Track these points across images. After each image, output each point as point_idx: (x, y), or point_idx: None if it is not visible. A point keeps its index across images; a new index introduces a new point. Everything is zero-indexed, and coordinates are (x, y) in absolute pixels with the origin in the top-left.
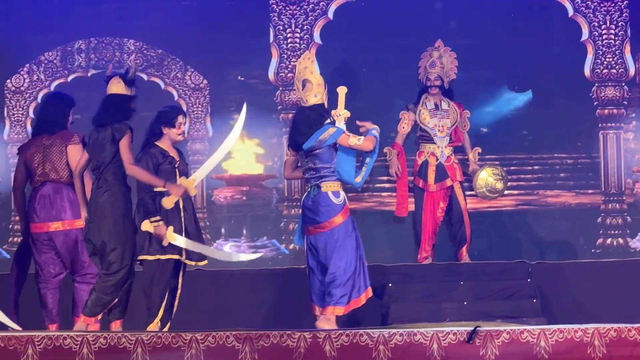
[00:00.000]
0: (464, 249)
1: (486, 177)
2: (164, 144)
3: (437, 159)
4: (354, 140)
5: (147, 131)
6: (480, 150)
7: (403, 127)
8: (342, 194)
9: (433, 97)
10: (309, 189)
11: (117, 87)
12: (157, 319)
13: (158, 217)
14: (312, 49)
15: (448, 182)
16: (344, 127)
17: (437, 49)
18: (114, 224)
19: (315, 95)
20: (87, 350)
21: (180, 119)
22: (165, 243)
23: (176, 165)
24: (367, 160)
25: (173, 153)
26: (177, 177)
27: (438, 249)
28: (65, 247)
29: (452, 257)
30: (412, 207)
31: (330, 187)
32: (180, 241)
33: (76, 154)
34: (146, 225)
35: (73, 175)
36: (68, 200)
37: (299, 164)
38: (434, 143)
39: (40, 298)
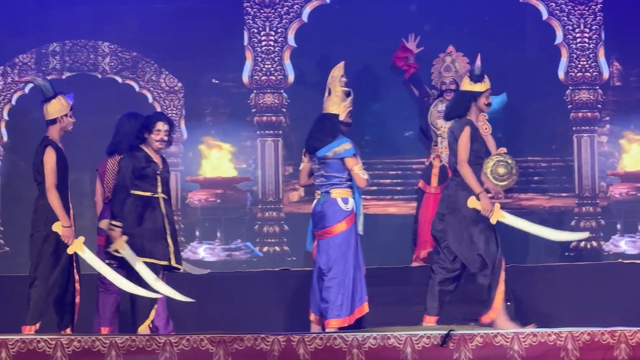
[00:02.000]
0: None
1: (490, 165)
2: (148, 149)
3: (441, 161)
4: (358, 168)
5: (134, 135)
6: (505, 150)
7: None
8: (352, 201)
9: (447, 100)
10: (319, 196)
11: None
12: (149, 321)
13: (119, 224)
14: (286, 51)
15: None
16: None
17: (450, 54)
18: None
19: (333, 104)
20: (60, 353)
21: (159, 125)
22: (111, 249)
23: (158, 172)
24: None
25: (157, 159)
26: (159, 183)
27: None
28: None
29: None
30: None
31: (340, 193)
32: (127, 254)
33: None
34: (104, 224)
35: None
36: None
37: (312, 170)
38: (438, 145)
39: (98, 302)
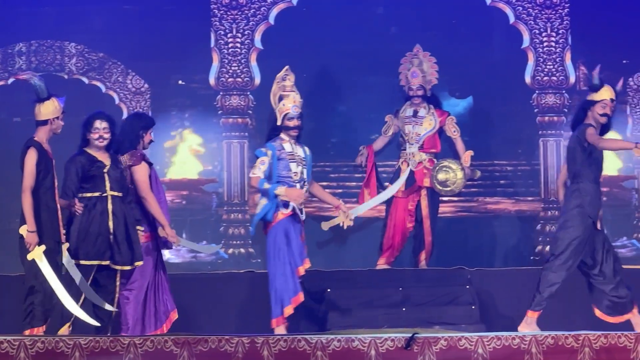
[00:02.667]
0: (422, 254)
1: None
2: (91, 149)
3: (408, 165)
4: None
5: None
6: (472, 153)
7: (385, 131)
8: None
9: (415, 105)
10: None
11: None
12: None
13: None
14: (252, 54)
15: (416, 188)
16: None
17: (417, 55)
18: None
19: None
20: (24, 354)
21: (97, 124)
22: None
23: (105, 171)
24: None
25: (102, 157)
26: (107, 182)
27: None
28: None
29: (409, 264)
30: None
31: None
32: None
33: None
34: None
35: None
36: None
37: None
38: (406, 149)
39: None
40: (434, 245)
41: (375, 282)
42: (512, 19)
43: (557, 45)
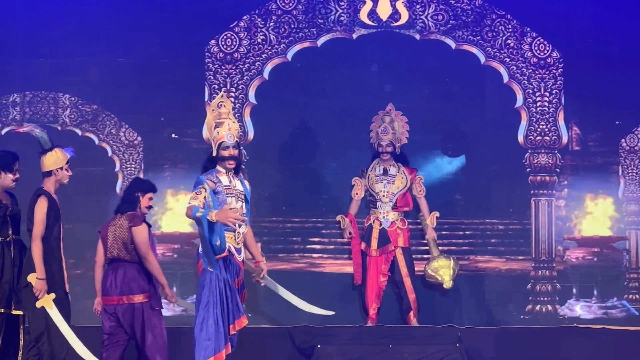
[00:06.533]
0: (411, 314)
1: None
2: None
3: (381, 224)
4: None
5: None
6: (438, 214)
7: (356, 194)
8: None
9: (384, 162)
10: None
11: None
12: None
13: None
14: (246, 108)
15: (389, 247)
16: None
17: (389, 113)
18: None
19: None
20: None
21: (17, 165)
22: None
23: (7, 213)
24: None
25: (5, 199)
26: (9, 225)
27: (385, 312)
28: None
29: (399, 321)
30: None
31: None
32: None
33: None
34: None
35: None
36: None
37: None
38: (378, 208)
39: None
40: (420, 302)
41: (366, 338)
42: (506, 78)
43: (550, 105)
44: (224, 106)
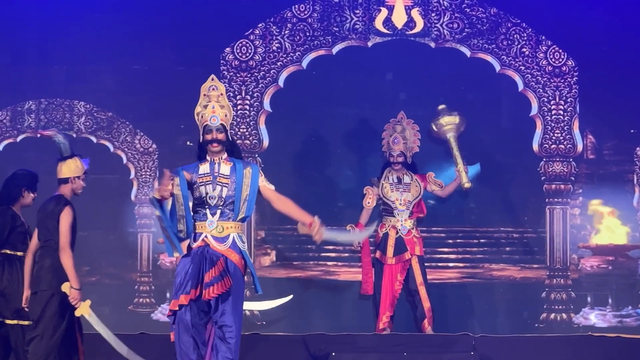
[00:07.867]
0: (425, 322)
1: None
2: (17, 208)
3: (398, 232)
4: None
5: (3, 194)
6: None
7: (368, 203)
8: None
9: (396, 171)
10: None
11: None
12: None
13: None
14: (261, 116)
15: (406, 256)
16: None
17: (400, 122)
18: None
19: None
20: None
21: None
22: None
23: (25, 230)
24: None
25: (22, 216)
26: (28, 241)
27: (400, 320)
28: None
29: (413, 329)
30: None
31: None
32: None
33: None
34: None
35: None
36: None
37: None
38: (395, 216)
39: None
40: (435, 310)
41: (380, 346)
42: (521, 87)
43: (565, 114)
44: (213, 89)
